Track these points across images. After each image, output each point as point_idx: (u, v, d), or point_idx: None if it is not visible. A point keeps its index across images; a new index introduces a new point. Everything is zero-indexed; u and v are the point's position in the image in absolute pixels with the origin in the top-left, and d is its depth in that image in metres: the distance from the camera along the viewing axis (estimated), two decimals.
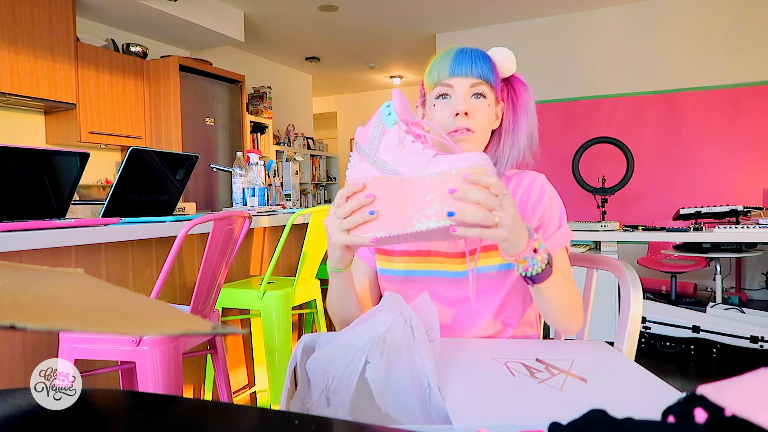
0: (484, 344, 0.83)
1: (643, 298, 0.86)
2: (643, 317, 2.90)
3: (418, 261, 0.93)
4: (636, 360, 0.79)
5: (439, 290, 0.91)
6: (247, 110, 5.41)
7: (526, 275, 0.74)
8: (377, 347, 0.61)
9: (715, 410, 0.34)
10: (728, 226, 2.72)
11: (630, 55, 4.70)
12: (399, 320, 0.64)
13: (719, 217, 2.94)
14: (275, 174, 2.77)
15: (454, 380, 0.63)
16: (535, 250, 0.72)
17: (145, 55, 4.37)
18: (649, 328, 2.91)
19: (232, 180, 2.47)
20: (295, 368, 0.69)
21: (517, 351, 0.78)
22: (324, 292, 2.61)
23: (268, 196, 2.58)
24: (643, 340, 2.93)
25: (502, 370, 0.68)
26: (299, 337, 2.45)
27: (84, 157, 1.53)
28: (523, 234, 0.70)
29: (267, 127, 5.61)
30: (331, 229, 0.71)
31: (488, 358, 0.73)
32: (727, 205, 2.87)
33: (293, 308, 1.82)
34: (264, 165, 2.56)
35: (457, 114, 0.85)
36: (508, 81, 0.94)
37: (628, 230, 2.95)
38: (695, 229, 2.81)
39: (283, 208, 2.64)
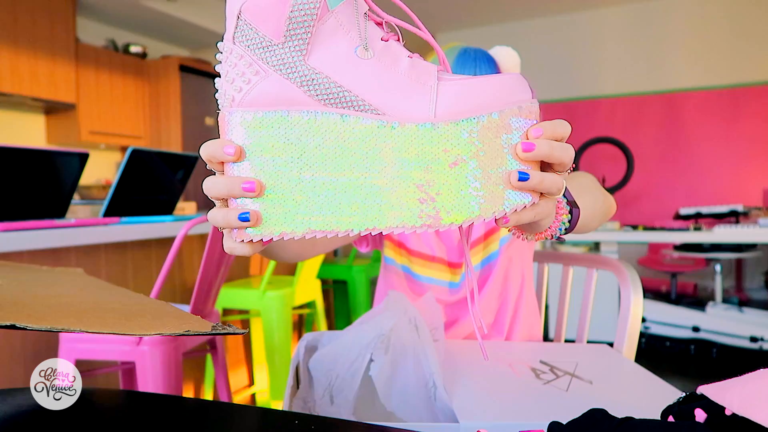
0: (488, 346, 0.83)
1: (643, 298, 0.86)
2: (643, 317, 2.90)
3: (420, 264, 0.93)
4: (636, 360, 0.79)
5: (434, 295, 0.91)
6: None
7: (554, 237, 0.54)
8: (382, 345, 0.61)
9: (715, 410, 0.34)
10: (728, 226, 2.72)
11: (630, 55, 4.70)
12: (403, 319, 0.64)
13: (719, 217, 2.94)
14: None
15: (459, 380, 0.63)
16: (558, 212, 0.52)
17: (145, 55, 4.37)
18: (649, 328, 2.91)
19: None
20: (297, 367, 0.69)
21: (520, 353, 0.78)
22: (324, 293, 2.61)
23: None
24: (643, 340, 2.93)
25: (506, 371, 0.68)
26: (299, 337, 2.45)
27: (84, 157, 1.53)
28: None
29: None
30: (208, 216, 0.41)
31: (492, 359, 0.73)
32: (727, 205, 2.87)
33: (293, 308, 1.82)
34: None
35: None
36: None
37: (628, 230, 2.95)
38: (695, 229, 2.81)
39: None
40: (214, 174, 0.40)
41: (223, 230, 0.40)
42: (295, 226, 0.37)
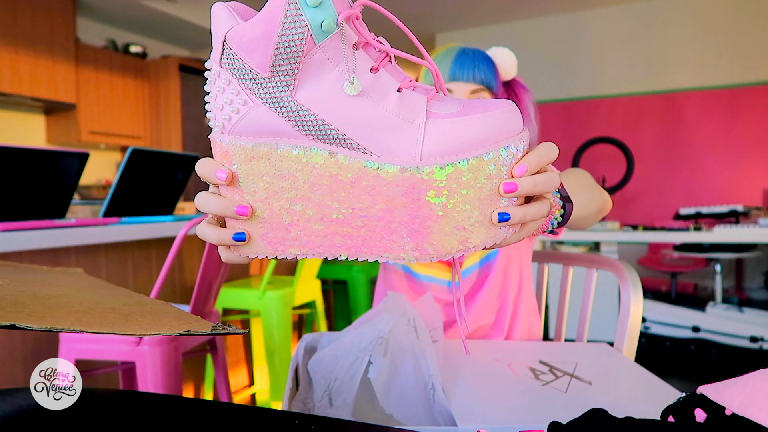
0: (487, 346, 0.83)
1: (643, 298, 0.85)
2: (643, 317, 2.90)
3: (420, 263, 0.93)
4: (636, 360, 0.79)
5: (433, 294, 0.91)
6: None
7: (546, 231, 0.54)
8: (380, 347, 0.61)
9: (715, 410, 0.34)
10: (728, 226, 2.72)
11: (630, 55, 4.70)
12: (402, 320, 0.64)
13: (719, 217, 2.94)
14: None
15: (458, 382, 0.63)
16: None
17: (145, 55, 4.37)
18: (649, 328, 2.91)
19: None
20: (296, 368, 0.69)
21: (520, 353, 0.78)
22: (324, 293, 2.61)
23: None
24: (643, 340, 2.93)
25: (506, 371, 0.68)
26: (299, 337, 2.46)
27: (84, 157, 1.53)
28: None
29: None
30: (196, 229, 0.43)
31: (491, 360, 0.73)
32: (727, 205, 2.87)
33: (293, 308, 1.82)
34: None
35: None
36: (508, 84, 0.93)
37: (628, 230, 2.95)
38: (695, 229, 2.81)
39: None
40: (206, 188, 0.41)
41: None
42: (285, 249, 0.39)
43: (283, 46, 0.34)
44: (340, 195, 0.37)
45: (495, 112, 0.36)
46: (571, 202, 0.54)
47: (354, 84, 0.35)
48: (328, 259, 0.36)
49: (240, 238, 0.38)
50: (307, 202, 0.37)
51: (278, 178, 0.37)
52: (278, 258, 0.39)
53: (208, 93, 0.38)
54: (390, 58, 0.38)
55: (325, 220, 0.37)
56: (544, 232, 0.52)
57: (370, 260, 0.38)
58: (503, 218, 0.37)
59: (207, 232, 0.39)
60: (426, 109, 0.37)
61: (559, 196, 0.52)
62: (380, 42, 0.38)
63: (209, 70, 0.37)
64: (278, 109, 0.36)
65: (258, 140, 0.37)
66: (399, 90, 0.37)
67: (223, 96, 0.37)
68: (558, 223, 0.52)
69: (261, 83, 0.35)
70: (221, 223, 0.41)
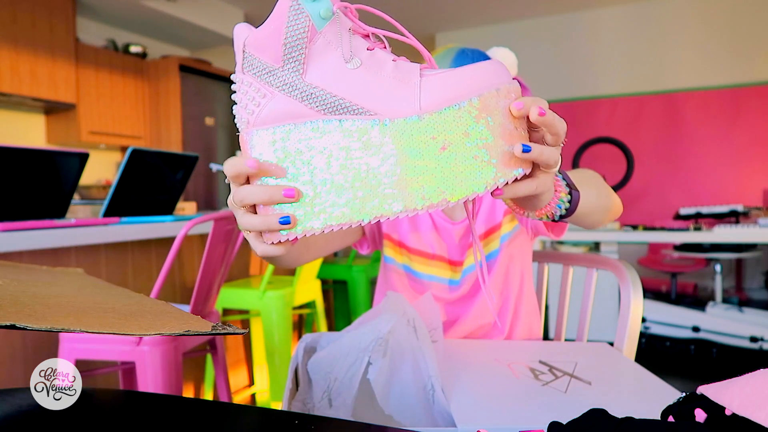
0: (487, 345, 0.83)
1: (643, 298, 0.85)
2: (643, 317, 2.90)
3: (420, 262, 0.93)
4: (636, 360, 0.79)
5: (434, 292, 0.91)
6: None
7: (555, 219, 0.55)
8: (380, 348, 0.61)
9: (715, 410, 0.34)
10: (728, 226, 2.72)
11: (630, 55, 4.69)
12: (402, 321, 0.64)
13: (719, 217, 2.94)
14: None
15: (458, 382, 0.63)
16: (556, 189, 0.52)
17: (145, 55, 4.37)
18: (649, 328, 2.91)
19: None
20: (296, 368, 0.69)
21: (520, 352, 0.78)
22: (324, 293, 2.61)
23: None
24: (643, 340, 2.93)
25: (505, 372, 0.68)
26: (299, 337, 2.45)
27: (84, 157, 1.53)
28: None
29: None
30: (238, 221, 0.45)
31: (491, 360, 0.73)
32: (727, 205, 2.87)
33: (293, 308, 1.82)
34: None
35: None
36: None
37: (628, 230, 2.95)
38: (695, 229, 2.81)
39: None
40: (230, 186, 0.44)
41: (249, 237, 0.45)
42: (314, 223, 0.41)
43: (290, 37, 0.40)
44: (353, 157, 0.40)
45: (483, 64, 0.40)
46: (578, 191, 0.54)
47: (353, 60, 0.41)
48: (352, 227, 0.43)
49: (286, 220, 0.41)
50: (326, 171, 0.41)
51: (299, 154, 0.41)
52: (307, 235, 0.42)
53: (235, 103, 0.43)
54: (384, 45, 0.43)
55: (344, 184, 0.40)
56: (552, 217, 0.53)
57: (391, 218, 0.40)
58: (526, 149, 0.39)
59: (253, 220, 0.42)
60: (419, 72, 0.41)
61: (565, 183, 0.53)
62: (373, 32, 0.42)
63: (234, 83, 0.43)
64: (292, 93, 0.41)
65: (278, 125, 0.41)
66: (394, 60, 0.41)
67: (246, 96, 0.42)
68: (566, 210, 0.53)
69: (276, 74, 0.41)
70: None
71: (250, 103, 0.42)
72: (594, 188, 0.66)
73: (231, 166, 0.42)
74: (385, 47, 0.43)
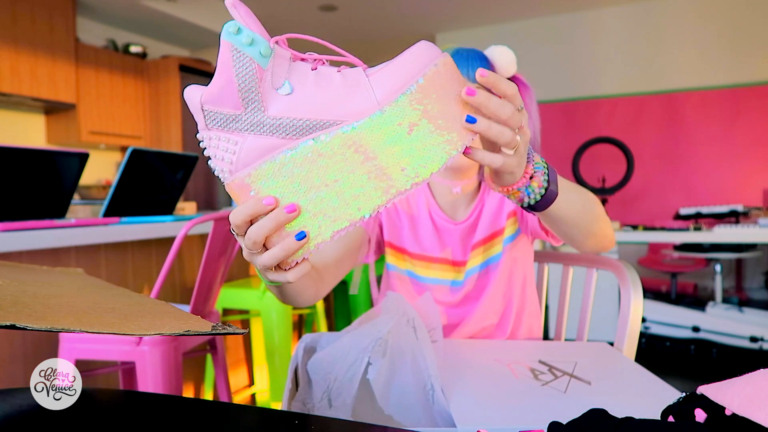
0: (487, 345, 0.83)
1: (643, 298, 0.85)
2: (643, 317, 2.90)
3: (423, 266, 0.93)
4: (636, 360, 0.79)
5: (436, 295, 0.91)
6: None
7: (523, 206, 0.57)
8: (379, 348, 0.61)
9: (715, 410, 0.34)
10: (728, 226, 2.72)
11: (630, 55, 4.69)
12: (401, 321, 0.64)
13: (719, 217, 2.94)
14: None
15: (457, 382, 0.63)
16: (531, 177, 0.54)
17: (145, 55, 4.37)
18: (649, 328, 2.91)
19: None
20: (296, 368, 0.69)
21: (519, 352, 0.78)
22: None
23: None
24: (643, 340, 2.93)
25: (505, 371, 0.68)
26: (299, 337, 2.45)
27: (84, 157, 1.53)
28: (524, 160, 0.52)
29: None
30: (259, 269, 0.49)
31: (491, 360, 0.73)
32: (727, 205, 2.87)
33: (293, 308, 1.82)
34: None
35: None
36: None
37: (628, 230, 2.95)
38: (695, 229, 2.81)
39: None
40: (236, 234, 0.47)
41: (270, 273, 0.47)
42: (323, 234, 0.45)
43: (243, 82, 0.43)
44: (336, 166, 0.44)
45: (414, 47, 0.44)
46: (557, 192, 0.57)
47: (304, 83, 0.44)
48: (356, 226, 0.48)
49: (302, 235, 0.44)
50: (317, 187, 0.44)
51: (287, 181, 0.44)
52: (319, 248, 0.45)
53: (209, 158, 0.45)
54: (323, 62, 0.46)
55: (336, 192, 0.44)
56: (521, 201, 0.55)
57: (387, 205, 0.44)
58: (470, 120, 0.44)
59: (273, 252, 0.45)
60: (365, 73, 0.44)
61: (546, 177, 0.55)
62: (309, 54, 0.46)
63: (201, 141, 0.45)
64: (261, 130, 0.44)
65: (258, 162, 0.44)
66: (339, 71, 0.45)
67: (219, 149, 0.45)
68: (535, 201, 0.55)
69: (240, 118, 0.44)
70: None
71: (226, 154, 0.44)
72: (580, 200, 0.66)
73: (246, 210, 0.44)
74: (324, 63, 0.46)
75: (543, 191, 0.55)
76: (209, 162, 0.45)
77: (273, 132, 0.44)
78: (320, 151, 0.43)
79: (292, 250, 0.45)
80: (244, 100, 0.43)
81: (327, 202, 0.44)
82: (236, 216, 0.44)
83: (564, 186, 0.60)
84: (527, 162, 0.53)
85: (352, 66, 0.46)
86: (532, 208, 0.56)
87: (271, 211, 0.44)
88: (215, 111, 0.44)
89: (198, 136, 0.45)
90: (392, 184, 0.44)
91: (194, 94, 0.44)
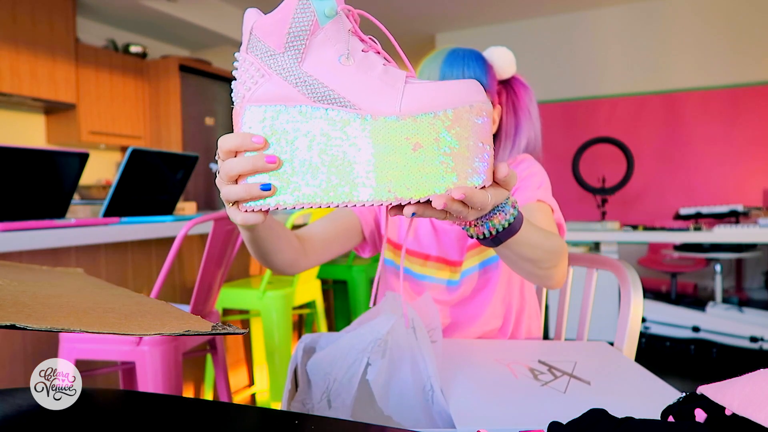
0: (486, 345, 0.83)
1: (643, 298, 0.85)
2: (643, 317, 2.90)
3: (419, 264, 0.93)
4: (636, 360, 0.79)
5: (433, 293, 0.91)
6: None
7: (479, 238, 0.56)
8: (379, 349, 0.61)
9: (715, 410, 0.34)
10: (728, 226, 2.72)
11: (630, 55, 4.69)
12: (401, 321, 0.64)
13: (719, 217, 2.94)
14: None
15: (457, 382, 0.63)
16: (488, 214, 0.54)
17: (145, 55, 4.37)
18: (649, 328, 2.91)
19: None
20: (295, 369, 0.69)
21: (519, 352, 0.78)
22: (324, 293, 2.61)
23: None
24: (643, 340, 2.93)
25: (505, 372, 0.68)
26: (299, 337, 2.45)
27: (84, 157, 1.53)
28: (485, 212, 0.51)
29: None
30: (222, 193, 0.49)
31: (491, 360, 0.73)
32: (727, 205, 2.87)
33: (293, 308, 1.82)
34: None
35: None
36: (507, 83, 0.92)
37: (628, 230, 2.95)
38: (695, 229, 2.81)
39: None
40: (217, 161, 0.48)
41: (229, 207, 0.48)
42: (287, 198, 0.45)
43: (294, 28, 0.44)
44: (333, 144, 0.44)
45: (462, 81, 0.44)
46: (522, 220, 0.56)
47: (349, 58, 0.45)
48: (321, 207, 0.45)
49: (266, 187, 0.45)
50: (306, 152, 0.44)
51: (285, 133, 0.45)
52: (295, 208, 0.45)
53: (235, 79, 0.46)
54: (378, 50, 0.47)
55: (320, 167, 0.44)
56: (478, 237, 0.55)
57: (357, 206, 0.44)
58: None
59: (236, 189, 0.46)
60: (406, 79, 0.45)
61: (508, 220, 0.54)
62: (371, 38, 0.47)
63: (236, 60, 0.46)
64: (288, 78, 0.45)
65: (270, 104, 0.45)
66: (384, 65, 0.45)
67: (246, 74, 0.46)
68: (497, 232, 0.54)
69: (276, 58, 0.45)
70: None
71: (249, 81, 0.46)
72: (541, 241, 0.64)
73: (234, 139, 0.45)
74: (378, 52, 0.47)
75: (502, 228, 0.54)
76: (233, 84, 0.46)
77: (297, 84, 0.45)
78: (326, 123, 0.44)
79: (252, 196, 0.45)
80: (288, 43, 0.44)
81: (307, 173, 0.44)
82: (224, 141, 0.46)
83: (535, 226, 0.62)
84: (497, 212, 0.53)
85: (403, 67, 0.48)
86: (491, 240, 0.55)
87: (255, 151, 0.45)
88: (260, 40, 0.45)
89: (236, 54, 0.46)
90: (373, 189, 0.43)
91: (251, 16, 0.46)
